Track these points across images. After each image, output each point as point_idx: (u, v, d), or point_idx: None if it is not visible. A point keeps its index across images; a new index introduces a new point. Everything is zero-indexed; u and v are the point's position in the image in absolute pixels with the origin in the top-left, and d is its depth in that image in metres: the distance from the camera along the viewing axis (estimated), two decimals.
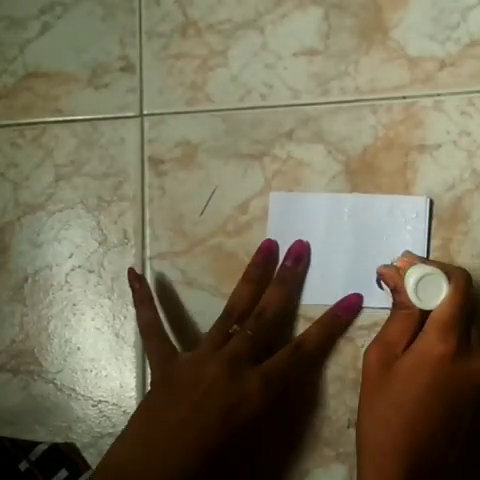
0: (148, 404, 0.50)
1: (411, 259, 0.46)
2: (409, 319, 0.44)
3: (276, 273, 0.54)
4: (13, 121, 0.61)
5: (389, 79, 0.55)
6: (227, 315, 0.52)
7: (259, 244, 0.54)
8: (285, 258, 0.53)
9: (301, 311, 0.54)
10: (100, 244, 0.59)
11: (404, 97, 0.54)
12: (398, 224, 0.53)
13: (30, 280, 0.60)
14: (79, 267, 0.59)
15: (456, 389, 0.43)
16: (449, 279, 0.43)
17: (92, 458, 0.57)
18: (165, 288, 0.56)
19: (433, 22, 0.54)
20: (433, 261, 0.45)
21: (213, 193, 0.57)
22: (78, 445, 0.57)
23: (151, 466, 0.46)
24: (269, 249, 0.54)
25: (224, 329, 0.51)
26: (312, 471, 0.53)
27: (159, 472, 0.46)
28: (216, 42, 0.58)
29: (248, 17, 0.58)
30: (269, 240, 0.54)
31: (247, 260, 0.54)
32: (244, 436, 0.48)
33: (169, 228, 0.57)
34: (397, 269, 0.45)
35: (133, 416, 0.49)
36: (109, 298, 0.58)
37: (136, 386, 0.57)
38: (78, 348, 0.58)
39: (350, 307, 0.52)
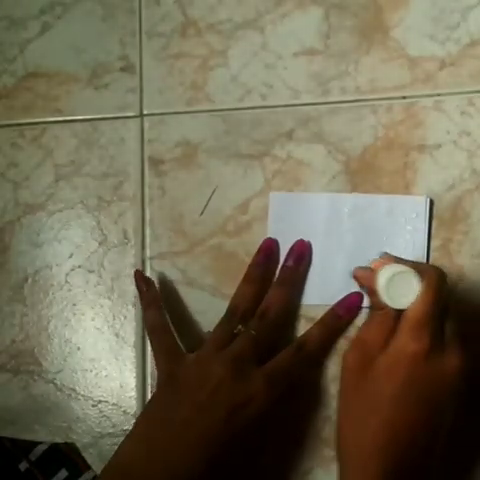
0: (153, 404, 0.50)
1: (386, 260, 0.45)
2: (384, 320, 0.44)
3: (278, 273, 0.54)
4: (13, 121, 0.61)
5: (389, 79, 0.55)
6: (230, 315, 0.52)
7: (259, 244, 0.54)
8: (287, 258, 0.53)
9: (302, 311, 0.54)
10: (100, 244, 0.59)
11: (404, 97, 0.54)
12: (398, 224, 0.53)
13: (30, 280, 0.60)
14: (79, 267, 0.59)
15: (432, 386, 0.43)
16: (421, 277, 0.43)
17: (92, 458, 0.57)
18: (165, 288, 0.56)
19: (433, 22, 0.54)
20: (407, 261, 0.45)
21: (213, 193, 0.57)
22: (78, 445, 0.57)
23: (153, 466, 0.46)
24: (270, 248, 0.54)
25: (228, 329, 0.51)
26: (312, 471, 0.53)
27: (161, 471, 0.46)
28: (216, 42, 0.58)
29: (248, 17, 0.58)
30: (270, 239, 0.54)
31: (247, 260, 0.54)
32: (247, 436, 0.48)
33: (169, 228, 0.57)
34: (372, 270, 0.45)
35: (139, 416, 0.50)
36: (109, 298, 0.58)
37: (136, 386, 0.57)
38: (78, 348, 0.58)
39: (351, 306, 0.52)
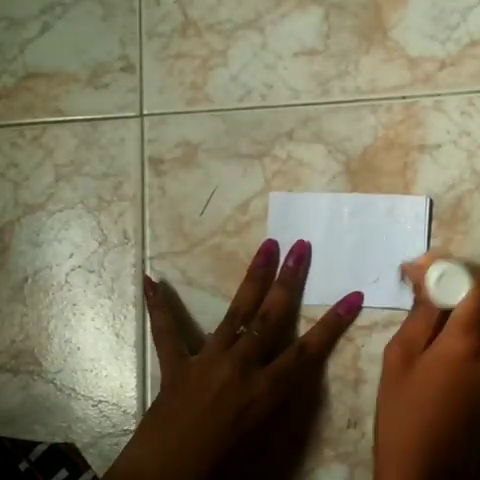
0: (158, 407, 0.50)
1: (434, 256, 0.45)
2: (430, 317, 0.44)
3: (278, 274, 0.54)
4: (13, 121, 0.61)
5: (389, 79, 0.55)
6: (232, 317, 0.52)
7: (259, 244, 0.54)
8: (287, 258, 0.53)
9: (302, 311, 0.54)
10: (100, 244, 0.59)
11: (404, 97, 0.54)
12: (398, 224, 0.53)
13: (30, 280, 0.60)
14: (79, 267, 0.59)
15: (475, 389, 0.42)
16: (472, 276, 0.42)
17: (92, 458, 0.57)
18: (165, 288, 0.56)
19: (433, 22, 0.54)
20: (456, 259, 0.45)
21: (213, 193, 0.57)
22: (78, 445, 0.57)
23: (163, 469, 0.46)
24: (270, 250, 0.54)
25: (230, 330, 0.51)
26: (312, 471, 0.53)
27: (171, 475, 0.46)
28: (216, 42, 0.58)
29: (248, 17, 0.58)
30: (270, 240, 0.54)
31: (247, 260, 0.54)
32: (253, 437, 0.48)
33: (169, 228, 0.57)
34: (420, 266, 0.45)
35: (144, 420, 0.50)
36: (109, 298, 0.58)
37: (136, 386, 0.57)
38: (78, 348, 0.58)
39: (351, 306, 0.52)
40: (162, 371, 0.51)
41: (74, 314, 0.59)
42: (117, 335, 0.58)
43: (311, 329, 0.52)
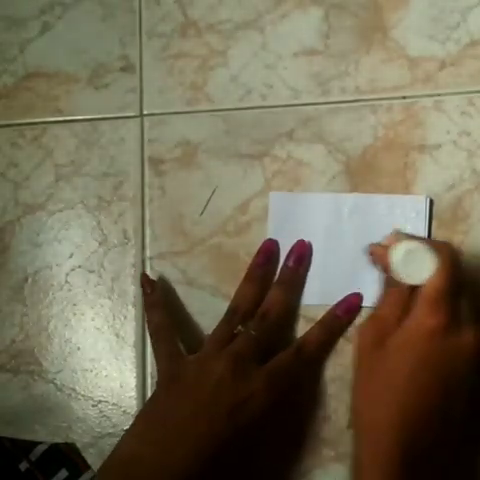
0: (153, 403, 0.50)
1: (399, 237, 0.45)
2: (399, 296, 0.44)
3: (278, 274, 0.54)
4: (13, 121, 0.61)
5: (389, 79, 0.55)
6: (231, 315, 0.52)
7: (259, 244, 0.54)
8: (287, 258, 0.54)
9: (302, 311, 0.54)
10: (100, 244, 0.59)
11: (404, 97, 0.54)
12: (398, 224, 0.53)
13: (30, 280, 0.60)
14: (79, 267, 0.59)
15: (448, 363, 0.42)
16: (436, 254, 0.42)
17: (92, 458, 0.57)
18: (165, 288, 0.56)
19: (433, 22, 0.54)
20: (420, 237, 0.45)
21: (213, 193, 0.57)
22: (78, 445, 0.57)
23: (154, 464, 0.46)
24: (270, 249, 0.54)
25: (228, 329, 0.51)
26: (312, 471, 0.53)
27: (162, 470, 0.46)
28: (216, 42, 0.58)
29: (248, 17, 0.58)
30: (270, 240, 0.54)
31: (247, 260, 0.54)
32: (249, 432, 0.48)
33: (169, 228, 0.57)
34: (385, 247, 0.45)
35: (139, 415, 0.50)
36: (109, 298, 0.58)
37: (136, 386, 0.57)
38: (78, 348, 0.58)
39: (351, 307, 0.52)
40: (159, 369, 0.51)
41: (74, 314, 0.59)
42: (117, 335, 0.58)
43: (310, 329, 0.52)
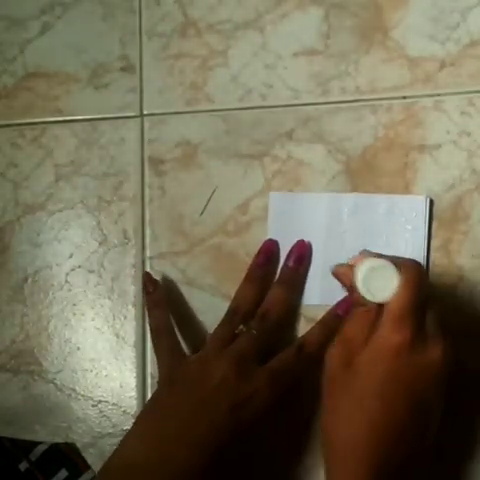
0: (154, 403, 0.51)
1: (364, 256, 0.45)
2: (366, 315, 0.44)
3: (278, 274, 0.54)
4: (13, 121, 0.61)
5: (389, 79, 0.55)
6: (231, 315, 0.52)
7: (259, 244, 0.54)
8: (287, 258, 0.54)
9: (302, 311, 0.54)
10: (100, 244, 0.59)
11: (404, 97, 0.54)
12: (398, 224, 0.53)
13: (30, 280, 0.60)
14: (79, 267, 0.59)
15: (415, 379, 0.42)
16: (400, 270, 0.42)
17: (92, 458, 0.57)
18: (165, 288, 0.56)
19: (433, 22, 0.54)
20: (385, 256, 0.44)
21: (213, 193, 0.57)
22: (78, 445, 0.57)
23: (156, 463, 0.46)
24: (270, 250, 0.54)
25: (229, 329, 0.51)
26: (312, 471, 0.53)
27: (164, 468, 0.46)
28: (216, 42, 0.58)
29: (248, 17, 0.58)
30: (270, 240, 0.54)
31: (247, 260, 0.54)
32: (250, 429, 0.48)
33: (169, 228, 0.57)
34: (351, 267, 0.44)
35: (141, 415, 0.50)
36: (109, 298, 0.58)
37: (136, 386, 0.57)
38: (78, 348, 0.58)
39: (351, 307, 0.52)
40: (160, 368, 0.51)
41: (74, 314, 0.59)
42: (117, 335, 0.58)
43: (310, 329, 0.52)
